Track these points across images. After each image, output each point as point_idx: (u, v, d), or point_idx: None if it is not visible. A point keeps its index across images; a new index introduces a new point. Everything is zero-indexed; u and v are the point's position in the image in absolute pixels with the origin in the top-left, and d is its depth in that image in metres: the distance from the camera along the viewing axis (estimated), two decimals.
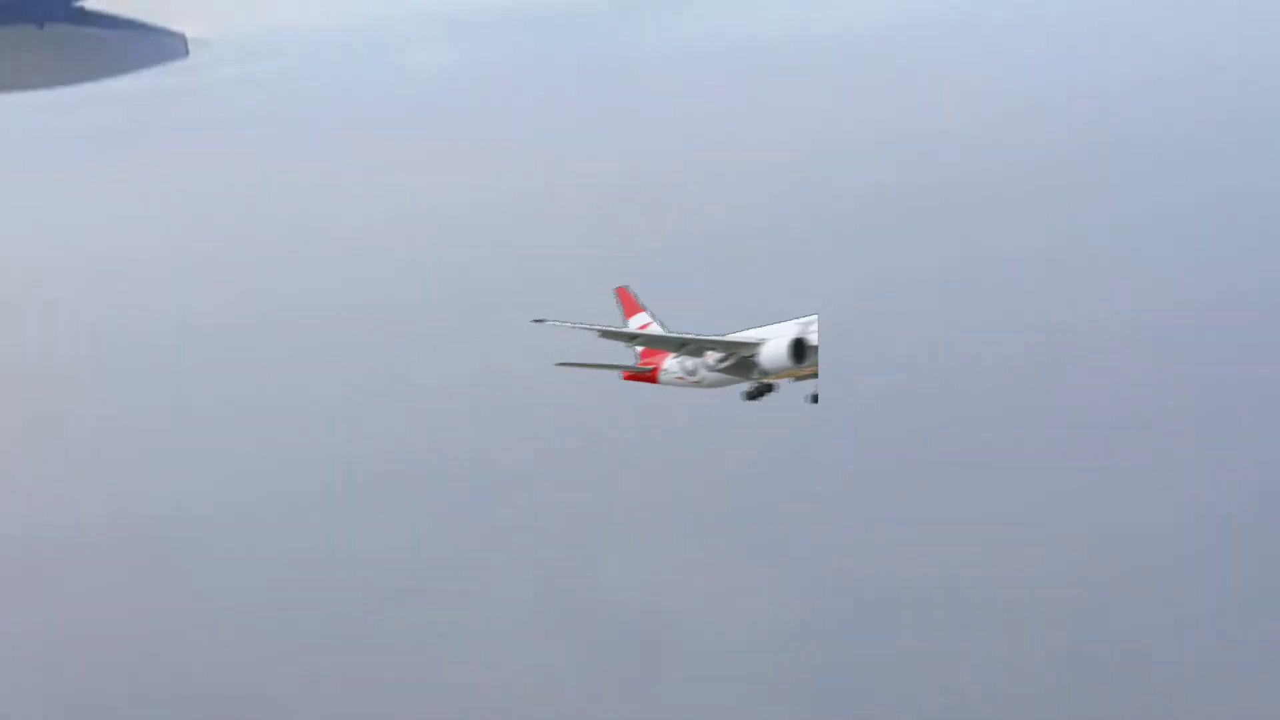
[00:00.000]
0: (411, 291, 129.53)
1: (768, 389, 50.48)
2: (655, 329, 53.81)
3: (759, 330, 51.17)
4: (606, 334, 51.85)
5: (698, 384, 54.17)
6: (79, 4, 23.57)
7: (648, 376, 52.09)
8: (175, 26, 25.80)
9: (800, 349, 50.96)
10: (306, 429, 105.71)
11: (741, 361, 51.28)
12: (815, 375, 51.09)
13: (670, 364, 53.73)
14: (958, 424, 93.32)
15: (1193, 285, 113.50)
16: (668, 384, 55.41)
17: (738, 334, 52.71)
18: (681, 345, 52.07)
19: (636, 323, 52.38)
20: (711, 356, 52.19)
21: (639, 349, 55.05)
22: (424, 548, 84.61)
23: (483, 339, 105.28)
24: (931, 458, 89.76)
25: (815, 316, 51.06)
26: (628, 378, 53.60)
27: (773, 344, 49.96)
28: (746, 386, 50.77)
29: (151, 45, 23.39)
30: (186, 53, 24.14)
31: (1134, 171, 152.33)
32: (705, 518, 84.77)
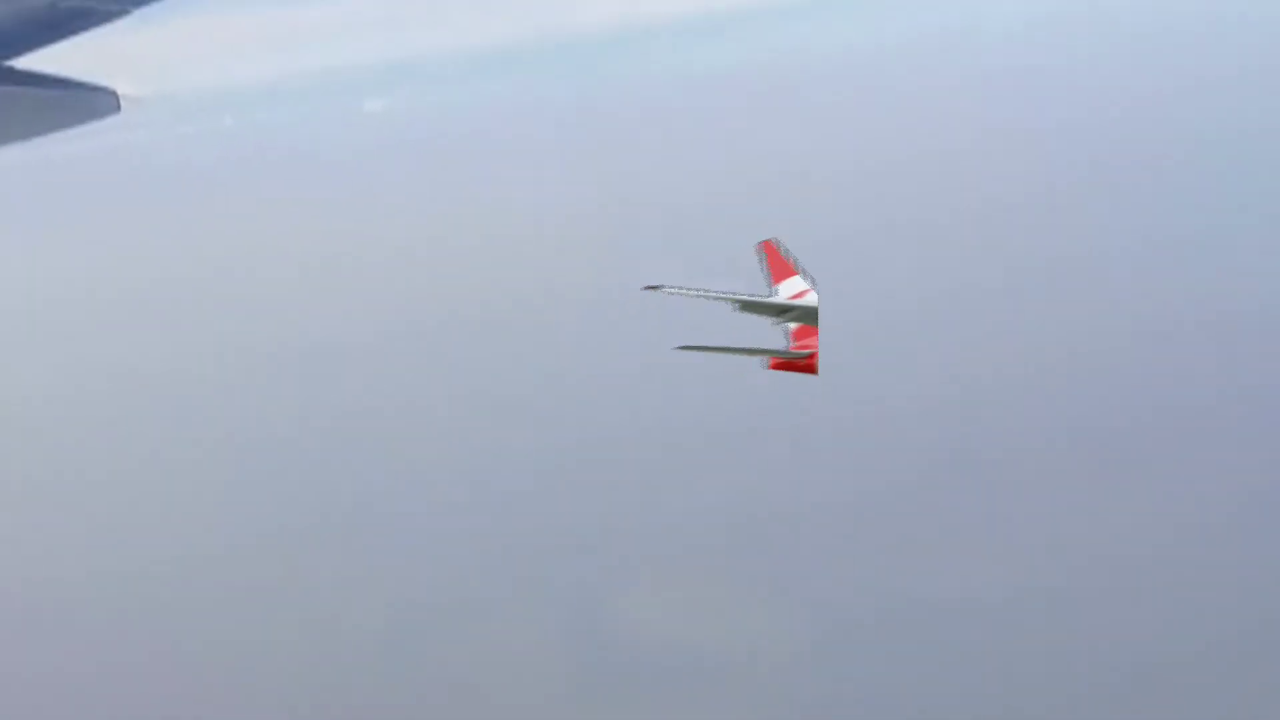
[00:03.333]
0: (375, 335, 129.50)
1: None
2: (813, 299, 40.53)
3: None
4: (748, 306, 39.55)
5: None
6: (8, 64, 23.59)
7: (804, 364, 39.53)
8: (109, 84, 25.81)
9: None
10: (308, 464, 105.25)
11: None
12: None
13: None
14: (976, 436, 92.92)
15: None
16: None
17: None
18: None
19: (788, 291, 41.40)
20: None
21: (791, 327, 43.92)
22: (433, 575, 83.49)
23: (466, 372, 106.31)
24: (953, 469, 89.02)
25: None
26: (776, 365, 43.77)
27: None
28: None
29: (81, 102, 23.44)
30: (119, 109, 24.16)
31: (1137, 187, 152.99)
32: (719, 538, 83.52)
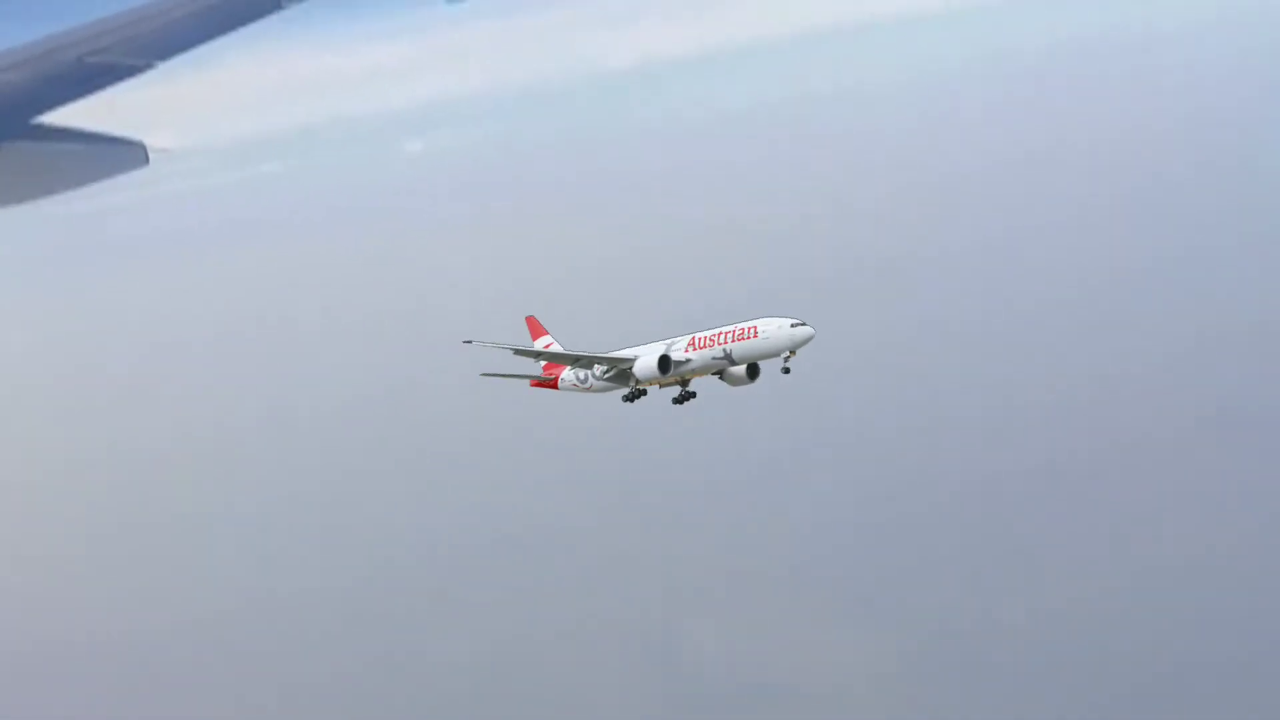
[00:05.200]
0: (402, 375, 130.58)
1: (641, 394, 63.26)
2: (556, 348, 66.93)
3: (634, 349, 62.79)
4: (520, 351, 65.17)
5: (589, 390, 66.66)
6: (37, 121, 24.24)
7: (550, 384, 66.34)
8: (140, 137, 26.34)
9: (665, 363, 63.49)
10: (327, 523, 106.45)
11: (620, 373, 64.37)
12: (682, 384, 63.19)
13: (567, 374, 66.28)
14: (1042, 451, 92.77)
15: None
16: (565, 390, 67.85)
17: (618, 351, 65.01)
18: (576, 360, 65.19)
19: (542, 344, 64.82)
20: (598, 369, 65.73)
21: (542, 363, 67.54)
22: (495, 618, 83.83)
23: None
24: (1011, 493, 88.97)
25: (686, 336, 62.71)
26: (534, 385, 66.16)
27: (645, 359, 62.18)
28: (625, 391, 63.93)
29: (111, 155, 24.03)
30: (147, 161, 24.76)
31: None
32: (779, 567, 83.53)
